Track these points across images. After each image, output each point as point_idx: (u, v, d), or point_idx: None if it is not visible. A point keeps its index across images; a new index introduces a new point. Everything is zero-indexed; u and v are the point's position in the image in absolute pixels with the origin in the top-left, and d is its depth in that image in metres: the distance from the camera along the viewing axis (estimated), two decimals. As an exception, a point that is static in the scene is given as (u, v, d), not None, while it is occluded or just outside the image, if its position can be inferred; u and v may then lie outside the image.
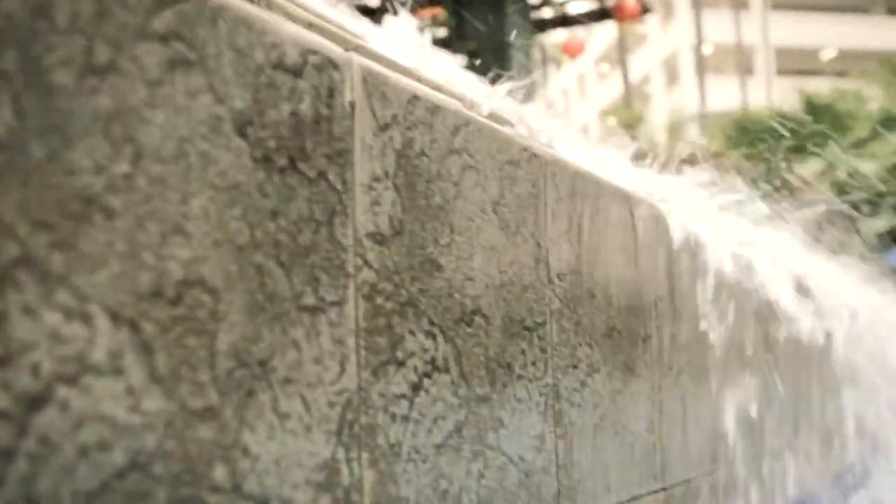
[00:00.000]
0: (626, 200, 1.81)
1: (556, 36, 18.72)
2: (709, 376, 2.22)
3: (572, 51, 19.50)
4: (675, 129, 26.20)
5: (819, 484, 3.03)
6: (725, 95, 31.67)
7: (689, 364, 2.09)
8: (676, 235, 2.05)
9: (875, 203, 18.81)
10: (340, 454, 0.96)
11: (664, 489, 1.87)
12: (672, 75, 39.57)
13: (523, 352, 1.36)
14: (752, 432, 2.55)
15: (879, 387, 4.10)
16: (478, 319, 1.24)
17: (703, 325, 2.19)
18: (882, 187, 18.91)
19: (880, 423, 3.68)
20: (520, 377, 1.34)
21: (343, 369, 0.98)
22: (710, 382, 2.23)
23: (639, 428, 1.76)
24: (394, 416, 1.06)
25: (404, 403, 1.08)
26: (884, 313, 5.57)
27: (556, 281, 1.48)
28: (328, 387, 0.95)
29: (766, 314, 2.70)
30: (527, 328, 1.37)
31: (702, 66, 33.25)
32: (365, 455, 1.00)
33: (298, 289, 0.93)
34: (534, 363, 1.38)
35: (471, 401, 1.21)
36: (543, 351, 1.41)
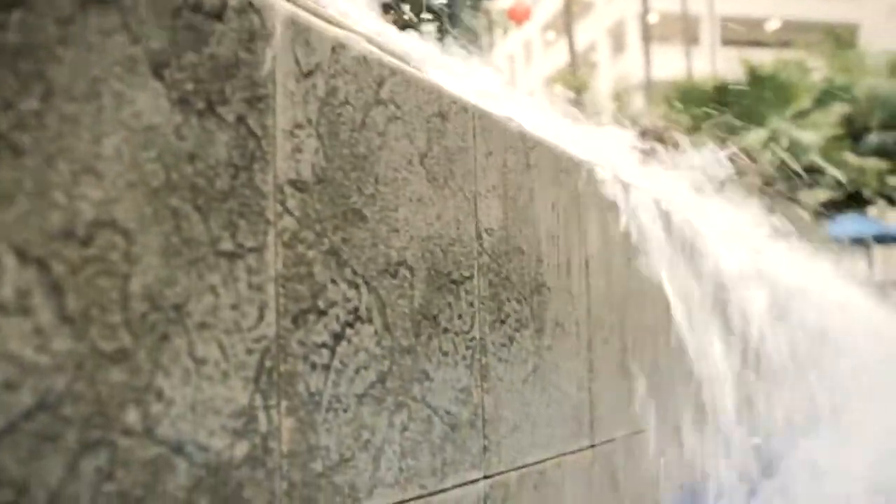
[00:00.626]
0: (559, 158, 1.82)
1: (503, 2, 18.68)
2: (642, 336, 2.25)
3: (518, 17, 19.49)
4: (620, 98, 26.32)
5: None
6: (670, 64, 31.85)
7: (621, 323, 2.12)
8: (610, 194, 2.07)
9: (817, 173, 19.08)
10: (258, 401, 0.97)
11: (592, 446, 1.89)
12: (618, 44, 39.71)
13: (450, 305, 1.36)
14: (678, 393, 2.60)
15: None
16: (403, 271, 1.25)
17: (635, 285, 2.22)
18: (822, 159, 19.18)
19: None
20: (445, 330, 1.35)
21: (262, 316, 0.98)
22: (643, 343, 2.26)
23: (568, 385, 1.79)
24: (314, 365, 1.06)
25: (325, 353, 1.08)
26: (814, 282, 5.67)
27: (485, 236, 1.48)
28: (246, 333, 0.95)
29: (697, 273, 2.74)
30: (454, 282, 1.38)
31: (647, 34, 33.37)
32: (284, 403, 1.01)
33: (216, 234, 0.92)
34: (460, 317, 1.39)
35: (395, 352, 1.22)
36: (470, 305, 1.42)
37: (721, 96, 21.74)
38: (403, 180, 1.27)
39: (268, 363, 0.98)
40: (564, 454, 1.75)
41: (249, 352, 0.96)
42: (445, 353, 1.34)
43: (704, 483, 2.81)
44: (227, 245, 0.94)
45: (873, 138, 24.56)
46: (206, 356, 0.90)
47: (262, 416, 0.97)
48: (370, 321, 1.17)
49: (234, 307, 0.94)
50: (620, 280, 2.13)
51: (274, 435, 0.99)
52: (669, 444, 2.45)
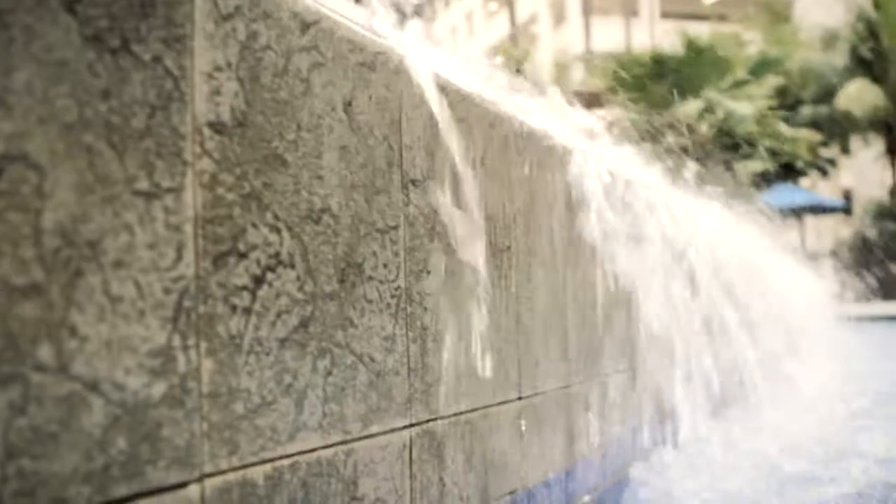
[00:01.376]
0: (488, 112, 1.82)
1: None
2: (572, 291, 2.27)
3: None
4: (560, 68, 26.39)
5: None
6: (610, 36, 31.99)
7: (553, 278, 2.13)
8: (543, 149, 2.08)
9: (751, 144, 19.32)
10: (177, 341, 0.96)
11: (520, 398, 1.91)
12: (559, 16, 39.76)
13: (375, 254, 1.37)
14: (608, 349, 2.63)
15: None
16: (326, 218, 1.25)
17: (567, 240, 2.24)
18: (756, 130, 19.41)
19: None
20: (370, 278, 1.35)
21: (180, 256, 0.97)
22: (573, 297, 2.28)
23: (497, 337, 1.80)
24: (235, 308, 1.06)
25: (246, 295, 1.08)
26: (747, 248, 5.76)
27: (411, 186, 1.49)
28: (164, 273, 0.95)
29: (636, 234, 2.77)
30: (379, 230, 1.38)
31: (588, 7, 33.44)
32: (203, 344, 1.00)
33: (132, 172, 0.91)
34: (385, 266, 1.39)
35: (318, 298, 1.22)
36: (396, 255, 1.43)
37: (659, 67, 21.92)
38: (327, 127, 1.26)
39: (186, 303, 0.98)
40: (490, 406, 1.77)
41: (167, 291, 0.95)
42: (370, 301, 1.35)
43: (634, 437, 2.85)
44: (143, 184, 0.93)
45: (806, 110, 24.92)
46: (121, 294, 0.89)
47: (180, 356, 0.97)
48: (292, 266, 1.17)
49: (151, 246, 0.93)
50: (553, 236, 2.14)
51: (193, 375, 0.98)
52: (601, 396, 2.48)
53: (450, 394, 1.59)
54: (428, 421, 1.50)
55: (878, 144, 26.76)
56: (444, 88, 1.62)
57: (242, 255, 1.08)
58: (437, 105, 1.58)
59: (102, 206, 0.88)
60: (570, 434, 2.23)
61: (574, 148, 2.36)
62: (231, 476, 1.04)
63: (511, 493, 1.84)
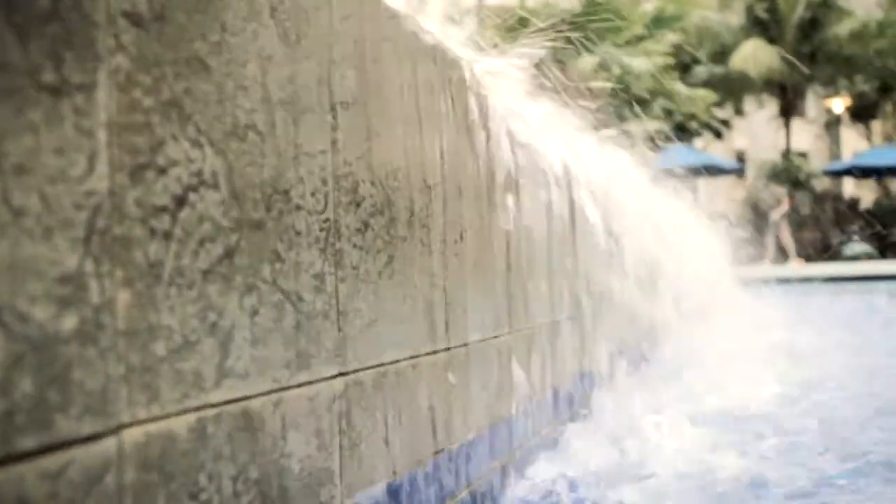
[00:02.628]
0: (416, 36, 1.72)
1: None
2: (498, 236, 2.19)
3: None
4: (452, 21, 26.21)
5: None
6: (503, -11, 31.94)
7: (479, 222, 2.05)
8: (470, 83, 1.99)
9: (646, 102, 19.54)
10: (89, 267, 0.84)
11: (447, 349, 1.83)
12: (449, -34, 39.57)
13: (302, 180, 1.26)
14: (537, 296, 2.57)
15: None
16: (252, 136, 1.13)
17: (493, 180, 2.15)
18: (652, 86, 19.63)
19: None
20: (298, 207, 1.24)
21: (92, 167, 0.85)
22: (501, 242, 2.20)
23: (424, 283, 1.71)
24: (154, 231, 0.94)
25: (166, 218, 0.96)
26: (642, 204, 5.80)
27: (339, 108, 1.38)
28: (74, 185, 0.83)
29: (546, 181, 2.71)
30: (307, 154, 1.27)
31: (480, -43, 33.37)
32: (119, 272, 0.89)
33: (36, 61, 0.79)
34: (313, 194, 1.29)
35: (243, 225, 1.11)
36: (324, 182, 1.32)
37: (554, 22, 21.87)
38: (252, 33, 1.14)
39: (99, 223, 0.86)
40: (419, 355, 1.68)
41: (78, 207, 0.83)
42: (298, 233, 1.24)
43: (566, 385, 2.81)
44: (49, 77, 0.80)
45: (702, 70, 25.32)
46: (25, 205, 0.77)
47: (93, 284, 0.85)
48: (216, 187, 1.05)
49: (59, 152, 0.81)
50: (477, 176, 2.06)
51: (108, 308, 0.87)
52: (528, 347, 2.42)
53: (381, 340, 1.49)
54: (358, 370, 1.41)
55: (771, 106, 27.45)
56: (373, 3, 1.51)
57: (162, 171, 0.96)
58: (367, 22, 1.47)
59: (1, 100, 0.75)
60: (500, 388, 2.16)
61: (490, 88, 2.28)
62: (152, 427, 0.93)
63: (437, 452, 1.76)
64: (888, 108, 28.39)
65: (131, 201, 0.91)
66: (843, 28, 25.36)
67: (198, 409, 1.00)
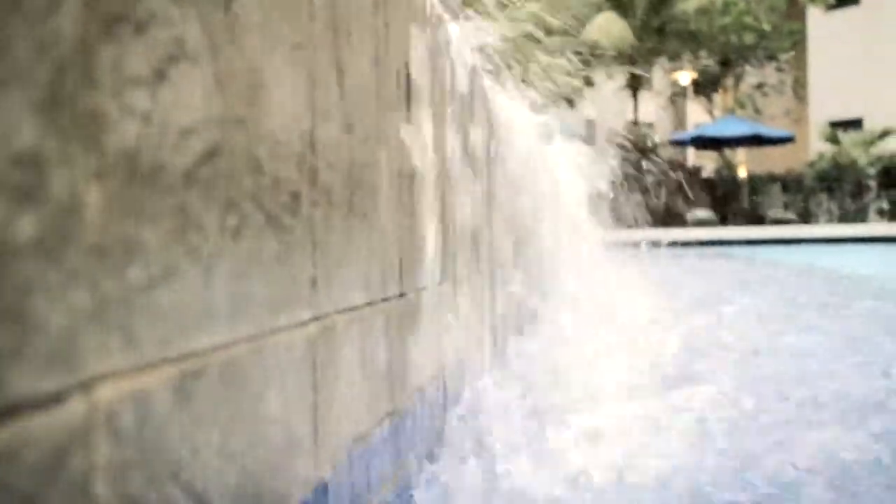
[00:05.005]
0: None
1: None
2: (427, 177, 1.94)
3: None
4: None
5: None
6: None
7: (437, 175, 1.79)
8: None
9: (508, 69, 19.45)
10: (51, 143, 0.56)
11: (402, 294, 1.57)
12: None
13: (280, 73, 0.98)
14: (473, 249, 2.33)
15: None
16: (236, 8, 0.85)
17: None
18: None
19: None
20: (281, 105, 0.96)
21: (56, 5, 0.56)
22: (435, 187, 1.95)
23: (386, 223, 1.44)
24: (129, 108, 0.66)
25: (143, 93, 0.68)
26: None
27: None
28: (35, 23, 0.54)
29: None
30: (285, 42, 0.99)
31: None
32: (91, 158, 0.60)
33: None
34: (294, 93, 1.00)
35: (226, 122, 0.82)
36: (304, 77, 1.04)
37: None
38: None
39: (67, 86, 0.57)
40: (377, 302, 1.41)
41: (41, 52, 0.54)
42: (279, 143, 0.96)
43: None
44: None
45: (556, 40, 25.39)
46: (-33, 39, 0.48)
47: (54, 171, 0.56)
48: (197, 63, 0.77)
49: (13, -32, 0.52)
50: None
51: (72, 207, 0.58)
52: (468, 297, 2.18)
53: (353, 281, 1.22)
54: (329, 315, 1.14)
55: (620, 77, 27.78)
56: None
57: (140, 29, 0.67)
58: None
59: None
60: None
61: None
62: (129, 384, 0.64)
63: (390, 414, 1.50)
64: (729, 82, 29.09)
65: (106, 63, 0.62)
66: (690, 4, 25.81)
67: (180, 359, 0.72)
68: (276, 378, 0.94)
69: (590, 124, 32.02)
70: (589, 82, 28.98)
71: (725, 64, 27.92)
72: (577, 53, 25.17)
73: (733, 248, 18.51)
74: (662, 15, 26.03)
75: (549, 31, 24.46)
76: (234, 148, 0.83)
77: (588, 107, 31.55)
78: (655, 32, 26.28)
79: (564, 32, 25.03)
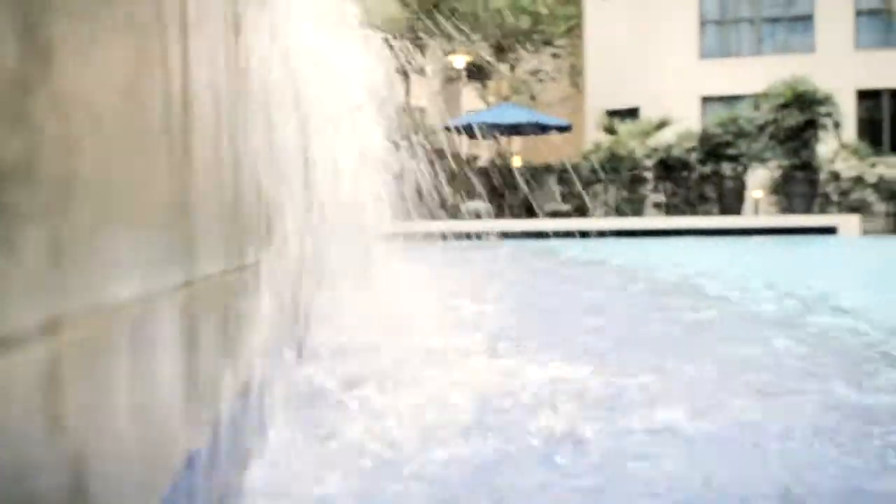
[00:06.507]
0: None
1: None
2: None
3: None
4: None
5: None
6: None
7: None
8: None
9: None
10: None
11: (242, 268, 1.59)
12: None
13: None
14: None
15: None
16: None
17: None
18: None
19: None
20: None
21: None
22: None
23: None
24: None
25: None
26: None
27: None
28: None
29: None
30: None
31: None
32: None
33: None
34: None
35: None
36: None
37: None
38: None
39: None
40: (231, 270, 1.43)
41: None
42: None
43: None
44: None
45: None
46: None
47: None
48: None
49: None
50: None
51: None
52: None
53: (216, 245, 1.24)
54: (195, 281, 1.15)
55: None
56: None
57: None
58: None
59: None
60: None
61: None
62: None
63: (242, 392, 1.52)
64: (504, 67, 29.95)
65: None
66: (465, -13, 26.44)
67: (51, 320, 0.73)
68: (150, 342, 0.95)
69: (357, 107, 32.15)
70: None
71: (501, 48, 28.72)
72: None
73: (509, 240, 19.11)
74: (437, -5, 26.57)
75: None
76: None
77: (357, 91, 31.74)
78: (429, 13, 26.74)
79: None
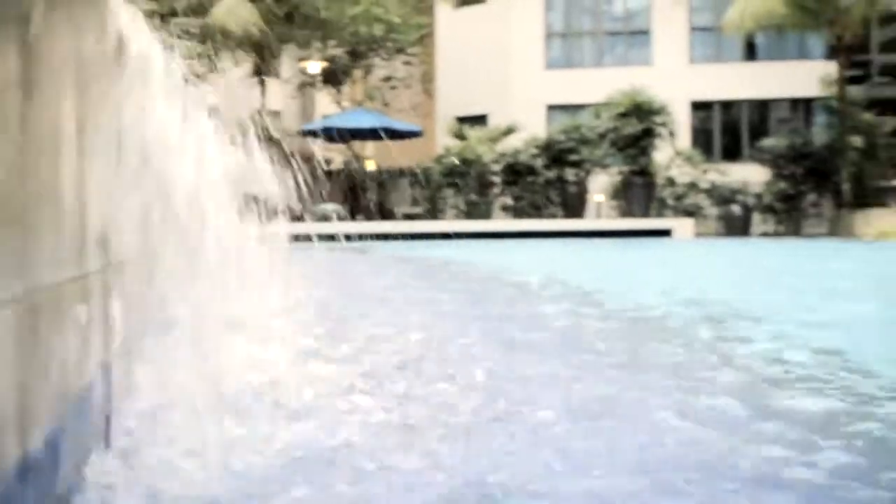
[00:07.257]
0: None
1: None
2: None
3: None
4: None
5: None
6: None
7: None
8: None
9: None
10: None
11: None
12: None
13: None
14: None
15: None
16: None
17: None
18: None
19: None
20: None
21: None
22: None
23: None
24: None
25: None
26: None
27: None
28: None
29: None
30: None
31: None
32: None
33: None
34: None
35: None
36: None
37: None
38: None
39: None
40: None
41: None
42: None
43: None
44: None
45: (180, 21, 25.45)
46: None
47: None
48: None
49: None
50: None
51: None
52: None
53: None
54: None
55: (248, 63, 28.19)
56: None
57: None
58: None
59: None
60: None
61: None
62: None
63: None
64: (358, 73, 30.42)
65: None
66: (321, -8, 26.71)
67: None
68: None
69: (213, 112, 32.07)
70: (213, 68, 29.15)
71: (355, 55, 29.15)
72: (202, 37, 25.22)
73: (362, 241, 19.60)
74: (291, 1, 26.74)
75: (173, 12, 24.19)
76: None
77: (211, 94, 31.67)
78: (284, 18, 26.92)
79: (192, 12, 24.96)
